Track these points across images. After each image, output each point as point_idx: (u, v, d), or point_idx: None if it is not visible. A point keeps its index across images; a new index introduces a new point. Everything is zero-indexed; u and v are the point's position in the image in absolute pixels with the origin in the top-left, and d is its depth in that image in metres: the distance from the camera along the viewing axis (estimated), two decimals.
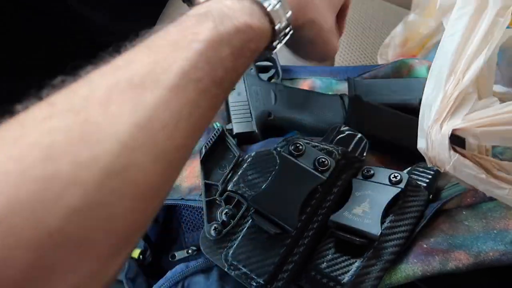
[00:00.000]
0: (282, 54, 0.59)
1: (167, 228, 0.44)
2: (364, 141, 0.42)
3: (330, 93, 0.54)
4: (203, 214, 0.42)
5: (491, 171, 0.33)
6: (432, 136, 0.33)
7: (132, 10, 1.01)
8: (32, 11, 0.98)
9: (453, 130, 0.31)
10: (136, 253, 0.43)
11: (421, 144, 0.34)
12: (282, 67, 0.54)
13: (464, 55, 0.34)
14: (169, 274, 0.38)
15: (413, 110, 0.46)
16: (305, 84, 0.54)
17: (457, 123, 0.32)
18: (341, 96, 0.49)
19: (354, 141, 0.42)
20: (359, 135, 0.42)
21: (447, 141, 0.32)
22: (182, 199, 0.39)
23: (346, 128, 0.43)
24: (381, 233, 0.34)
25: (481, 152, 0.36)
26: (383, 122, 0.47)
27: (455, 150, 0.32)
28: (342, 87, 0.54)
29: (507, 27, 0.42)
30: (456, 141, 0.34)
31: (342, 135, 0.43)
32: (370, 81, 0.51)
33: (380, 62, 0.60)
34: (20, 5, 0.89)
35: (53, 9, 1.11)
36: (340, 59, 0.63)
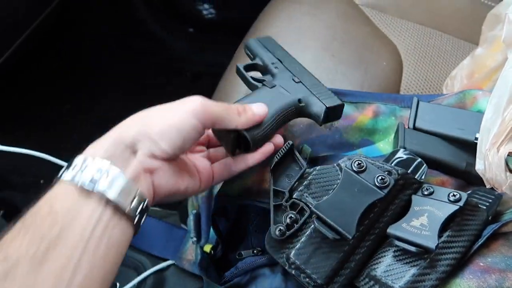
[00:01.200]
0: (348, 77, 0.64)
1: (236, 227, 0.49)
2: (424, 166, 0.45)
3: (393, 118, 0.57)
4: (268, 218, 0.46)
5: None
6: (489, 158, 0.35)
7: (211, 43, 1.10)
8: (118, 33, 1.12)
9: (510, 153, 0.33)
10: (208, 247, 0.49)
11: (479, 166, 0.36)
12: (346, 91, 0.59)
13: None
14: (239, 264, 0.42)
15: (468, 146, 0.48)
16: (370, 108, 0.57)
17: None
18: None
19: (414, 165, 0.45)
20: (419, 159, 0.45)
21: (503, 163, 0.34)
22: (255, 200, 0.44)
23: (406, 152, 0.46)
24: (438, 245, 0.36)
25: None
26: (441, 149, 0.49)
27: (511, 172, 0.34)
28: (406, 114, 0.57)
29: None
30: None
31: (401, 158, 0.46)
32: (434, 105, 0.53)
33: (445, 93, 0.62)
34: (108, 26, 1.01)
35: (137, 32, 1.26)
36: (405, 89, 0.65)
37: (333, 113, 0.49)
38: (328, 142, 0.55)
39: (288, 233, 0.41)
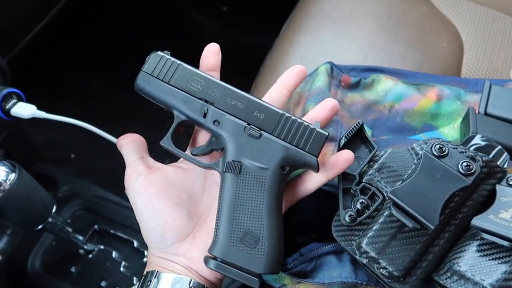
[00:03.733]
0: (405, 58, 0.60)
1: (291, 209, 0.46)
2: (505, 154, 0.41)
3: (458, 102, 0.53)
4: (327, 204, 0.43)
5: None
6: None
7: (241, 22, 1.05)
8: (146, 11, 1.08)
9: None
10: None
11: None
12: (406, 72, 0.55)
13: None
14: (303, 250, 0.39)
15: None
16: (432, 91, 0.53)
17: None
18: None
19: (494, 152, 0.41)
20: (499, 147, 0.41)
21: None
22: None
23: (484, 138, 0.42)
24: None
25: None
26: None
27: None
28: (472, 98, 0.53)
29: None
30: None
31: (479, 145, 0.42)
32: (508, 89, 0.49)
33: None
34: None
35: (166, 12, 1.22)
36: (467, 74, 0.61)
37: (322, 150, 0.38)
38: (388, 125, 0.52)
39: (359, 219, 0.38)
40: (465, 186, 0.35)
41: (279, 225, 0.36)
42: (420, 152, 0.38)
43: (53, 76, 1.04)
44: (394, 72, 0.55)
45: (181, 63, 0.38)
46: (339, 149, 0.40)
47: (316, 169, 0.37)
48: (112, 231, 0.58)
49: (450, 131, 0.51)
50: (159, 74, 0.37)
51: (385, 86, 0.53)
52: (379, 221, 0.36)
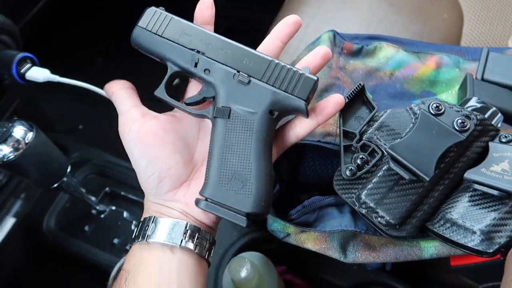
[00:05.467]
0: (406, 28, 0.61)
1: (296, 171, 0.48)
2: (499, 114, 0.43)
3: (457, 70, 0.55)
4: (330, 162, 0.46)
5: None
6: None
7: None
8: None
9: None
10: None
11: None
12: (406, 40, 0.56)
13: None
14: (306, 202, 0.42)
15: None
16: (432, 59, 0.55)
17: None
18: None
19: (489, 113, 0.43)
20: (494, 108, 0.43)
21: None
22: (319, 141, 0.43)
23: (479, 100, 0.44)
24: None
25: None
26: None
27: None
28: (470, 66, 0.55)
29: None
30: None
31: (475, 107, 0.44)
32: (505, 56, 0.50)
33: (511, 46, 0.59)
34: None
35: None
36: (466, 43, 0.63)
37: (312, 93, 0.38)
38: (389, 91, 0.54)
39: (359, 173, 0.40)
40: (459, 141, 0.38)
41: (267, 167, 0.37)
42: (418, 111, 0.40)
43: (63, 48, 1.05)
44: (395, 40, 0.57)
45: (173, 16, 0.39)
46: (341, 110, 0.42)
47: (305, 113, 0.37)
48: (122, 193, 0.61)
49: (448, 97, 0.53)
50: (153, 28, 0.39)
51: (387, 53, 0.55)
52: (378, 175, 0.39)
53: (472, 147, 0.40)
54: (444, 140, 0.38)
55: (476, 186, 0.37)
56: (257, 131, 0.37)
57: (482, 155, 0.39)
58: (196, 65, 0.38)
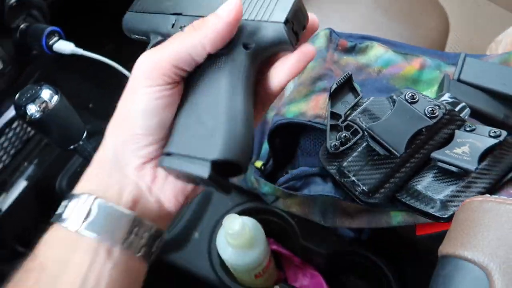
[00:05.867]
0: (397, 32, 0.68)
1: (287, 149, 0.54)
2: (467, 109, 0.49)
3: (438, 72, 0.61)
4: (318, 142, 0.52)
5: None
6: None
7: None
8: None
9: None
10: (259, 164, 0.54)
11: None
12: (396, 42, 0.62)
13: None
14: (294, 171, 0.48)
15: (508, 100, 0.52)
16: (417, 60, 0.61)
17: None
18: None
19: (458, 107, 0.49)
20: (463, 103, 0.50)
21: None
22: (310, 121, 0.49)
23: (452, 96, 0.51)
24: (477, 168, 0.41)
25: None
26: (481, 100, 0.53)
27: None
28: (450, 70, 0.61)
29: None
30: None
31: (447, 101, 0.50)
32: (479, 61, 0.57)
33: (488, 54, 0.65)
34: None
35: None
36: (450, 50, 0.69)
37: (297, 18, 0.31)
38: (376, 86, 0.60)
39: (341, 148, 0.46)
40: (428, 125, 0.44)
41: (244, 108, 0.30)
42: (396, 99, 0.46)
43: (87, 22, 1.10)
44: (386, 42, 0.63)
45: None
46: (330, 95, 0.48)
47: (288, 41, 0.30)
48: None
49: (427, 95, 0.60)
50: (139, 8, 0.38)
51: (377, 52, 0.62)
52: (358, 150, 0.45)
53: (440, 132, 0.46)
54: (415, 124, 0.44)
55: (439, 164, 0.43)
56: (229, 68, 0.30)
57: (448, 140, 0.46)
58: (173, 26, 0.35)
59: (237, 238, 0.48)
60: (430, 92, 0.60)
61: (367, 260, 0.53)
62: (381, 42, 0.63)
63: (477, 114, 0.53)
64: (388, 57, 0.62)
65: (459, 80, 0.57)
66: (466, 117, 0.49)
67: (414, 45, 0.65)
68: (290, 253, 0.61)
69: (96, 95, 1.00)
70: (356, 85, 0.49)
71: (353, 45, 0.62)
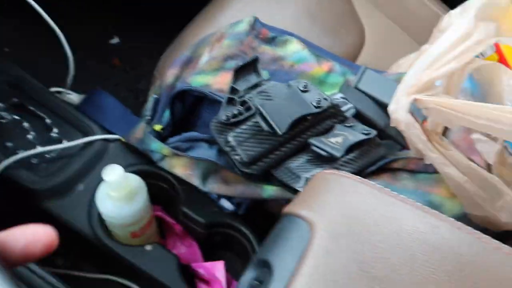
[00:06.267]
0: (318, 38, 0.73)
1: (187, 118, 0.56)
2: (352, 110, 0.55)
3: (342, 78, 0.67)
4: (214, 115, 0.54)
5: (432, 141, 0.45)
6: (399, 101, 0.45)
7: None
8: None
9: (414, 99, 0.44)
10: (158, 127, 0.55)
11: (391, 106, 0.46)
12: (314, 45, 0.67)
13: (443, 59, 0.46)
14: (184, 134, 0.50)
15: None
16: (327, 64, 0.66)
17: (419, 96, 0.44)
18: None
19: (346, 107, 0.55)
20: (351, 104, 0.55)
21: (407, 105, 0.44)
22: (211, 92, 0.52)
23: (343, 96, 0.56)
24: (342, 156, 0.46)
25: (434, 130, 0.49)
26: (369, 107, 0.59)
27: (411, 115, 0.44)
28: (352, 78, 0.67)
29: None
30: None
31: (337, 100, 0.55)
32: (376, 74, 0.63)
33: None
34: None
35: None
36: (359, 62, 0.76)
37: None
38: (284, 78, 0.64)
39: (232, 120, 0.49)
40: (312, 112, 0.48)
41: None
42: (291, 85, 0.50)
43: None
44: (304, 41, 0.68)
45: None
46: (234, 70, 0.51)
47: None
48: (31, 107, 0.63)
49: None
50: None
51: (294, 48, 0.66)
52: (246, 123, 0.48)
53: (323, 123, 0.51)
54: (301, 109, 0.48)
55: (313, 148, 0.47)
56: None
57: (328, 131, 0.51)
58: None
59: (115, 189, 0.48)
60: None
61: (241, 234, 0.56)
62: (300, 40, 0.67)
63: (363, 118, 0.59)
64: (302, 54, 0.66)
65: (356, 87, 0.63)
66: (349, 116, 0.54)
67: (329, 51, 0.71)
68: (174, 221, 0.62)
69: (18, 41, 0.95)
70: (259, 68, 0.53)
71: (274, 36, 0.65)
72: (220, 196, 0.55)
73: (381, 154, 0.50)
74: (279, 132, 0.46)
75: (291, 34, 0.68)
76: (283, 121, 0.47)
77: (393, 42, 0.79)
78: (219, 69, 0.55)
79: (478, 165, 0.47)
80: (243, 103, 0.50)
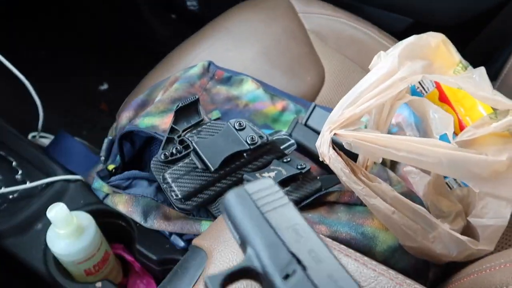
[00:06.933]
0: (275, 79, 0.76)
1: (138, 157, 0.59)
2: (294, 146, 0.57)
3: (296, 116, 0.69)
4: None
5: (357, 173, 0.47)
6: (324, 136, 0.47)
7: (191, 29, 1.19)
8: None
9: (335, 134, 0.46)
10: (111, 167, 0.58)
11: (317, 142, 0.48)
12: (268, 85, 0.71)
13: (365, 96, 0.49)
14: (126, 172, 0.52)
15: None
16: (281, 103, 0.70)
17: (339, 131, 0.46)
18: None
19: (287, 143, 0.57)
20: (292, 140, 0.57)
21: (329, 140, 0.46)
22: (155, 132, 0.55)
23: (286, 133, 0.59)
24: None
25: (363, 165, 0.51)
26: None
27: (334, 149, 0.46)
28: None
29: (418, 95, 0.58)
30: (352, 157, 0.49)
31: (280, 137, 0.58)
32: (323, 111, 0.66)
33: None
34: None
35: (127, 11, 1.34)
36: (319, 102, 0.79)
37: None
38: (238, 116, 0.67)
39: (170, 158, 0.51)
40: (244, 149, 0.50)
41: None
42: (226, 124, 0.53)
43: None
44: (260, 82, 0.72)
45: None
46: (175, 111, 0.54)
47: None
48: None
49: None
50: None
51: (249, 87, 0.69)
52: (183, 161, 0.51)
53: (261, 159, 0.53)
54: (234, 146, 0.51)
55: (244, 183, 0.49)
56: None
57: (266, 166, 0.53)
58: None
59: (62, 226, 0.51)
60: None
61: None
62: (255, 80, 0.71)
63: (309, 154, 0.61)
64: (257, 94, 0.70)
65: (305, 124, 0.65)
66: (289, 151, 0.56)
67: (284, 91, 0.74)
68: (133, 259, 0.63)
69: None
70: (200, 108, 0.56)
71: (229, 76, 0.69)
72: (171, 233, 0.57)
73: (316, 187, 0.51)
74: (212, 169, 0.48)
75: (246, 75, 0.72)
76: (216, 158, 0.49)
77: (354, 80, 0.82)
78: (166, 111, 0.59)
79: None
80: (181, 142, 0.53)
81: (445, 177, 0.59)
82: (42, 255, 0.58)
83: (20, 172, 0.66)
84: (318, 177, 0.53)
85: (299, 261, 0.24)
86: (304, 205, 0.50)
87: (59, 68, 1.24)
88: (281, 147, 0.55)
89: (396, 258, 0.48)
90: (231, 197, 0.27)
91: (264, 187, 0.28)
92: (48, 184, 0.63)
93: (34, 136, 0.77)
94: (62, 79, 1.21)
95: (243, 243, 0.27)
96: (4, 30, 1.12)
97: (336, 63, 0.85)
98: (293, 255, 0.25)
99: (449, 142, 0.48)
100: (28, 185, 0.63)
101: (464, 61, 0.61)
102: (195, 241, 0.35)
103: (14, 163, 0.67)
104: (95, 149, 0.73)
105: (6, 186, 0.64)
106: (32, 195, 0.63)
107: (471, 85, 0.49)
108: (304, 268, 0.24)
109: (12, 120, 0.74)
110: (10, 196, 0.63)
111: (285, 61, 0.81)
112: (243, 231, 0.27)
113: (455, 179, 0.60)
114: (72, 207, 0.61)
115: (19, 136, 0.71)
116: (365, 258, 0.31)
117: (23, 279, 0.61)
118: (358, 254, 0.31)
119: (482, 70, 0.51)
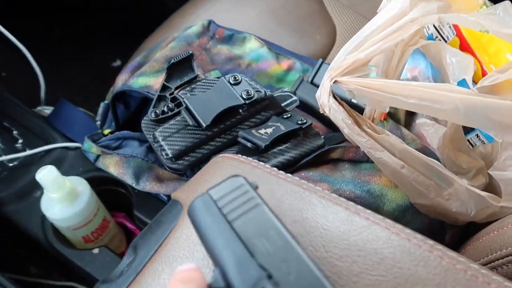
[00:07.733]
0: (282, 38, 0.71)
1: (135, 118, 0.56)
2: (296, 102, 0.52)
3: (302, 75, 0.65)
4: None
5: (361, 125, 0.42)
6: (324, 85, 0.43)
7: None
8: None
9: (335, 81, 0.41)
10: (107, 131, 0.56)
11: (317, 93, 0.44)
12: (273, 44, 0.66)
13: (370, 40, 0.44)
14: (115, 133, 0.50)
15: None
16: (286, 62, 0.65)
17: (340, 78, 0.41)
18: None
19: (290, 100, 0.53)
20: (295, 97, 0.53)
21: (329, 89, 0.42)
22: (148, 92, 0.52)
23: (289, 89, 0.54)
24: (267, 145, 0.44)
25: (370, 117, 0.46)
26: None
27: (334, 98, 0.42)
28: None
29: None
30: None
31: (283, 94, 0.54)
32: None
33: None
34: None
35: None
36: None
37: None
38: None
39: (161, 116, 0.48)
40: (239, 104, 0.47)
41: None
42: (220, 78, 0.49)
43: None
44: (264, 40, 0.67)
45: None
46: (167, 67, 0.51)
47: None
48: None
49: None
50: None
51: (252, 46, 0.65)
52: (174, 119, 0.47)
53: (259, 115, 0.49)
54: (228, 101, 0.47)
55: (239, 139, 0.45)
56: None
57: (264, 122, 0.49)
58: None
59: (55, 190, 0.49)
60: None
61: None
62: (259, 39, 0.66)
63: (315, 113, 0.56)
64: (260, 52, 0.65)
65: (312, 82, 0.61)
66: (290, 108, 0.52)
67: (292, 50, 0.69)
68: (134, 227, 0.62)
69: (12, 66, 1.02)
70: (193, 65, 0.52)
71: (230, 34, 0.65)
72: (169, 198, 0.55)
73: (318, 144, 0.47)
74: (203, 125, 0.45)
75: (250, 34, 0.67)
76: (208, 114, 0.46)
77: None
78: (161, 71, 0.56)
79: None
80: (173, 99, 0.50)
81: (466, 133, 0.53)
82: (41, 222, 0.57)
83: (20, 141, 0.65)
84: (322, 136, 0.48)
85: (270, 277, 0.22)
86: (304, 162, 0.46)
87: (73, 45, 1.24)
88: (283, 104, 0.51)
89: (407, 218, 0.44)
90: (196, 206, 0.25)
91: (231, 189, 0.25)
92: (47, 152, 0.62)
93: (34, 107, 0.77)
94: (75, 57, 1.21)
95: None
96: (18, 12, 1.12)
97: (348, 20, 0.79)
98: (264, 269, 0.22)
99: (469, 88, 0.42)
100: (27, 152, 0.61)
101: (489, 2, 0.54)
102: (173, 194, 0.33)
103: (14, 132, 0.66)
104: None
105: (6, 155, 0.63)
106: (32, 163, 0.62)
107: (495, 22, 0.43)
108: (276, 284, 0.22)
109: (25, 97, 0.74)
110: (10, 164, 0.62)
111: (294, 20, 0.76)
112: (208, 247, 0.24)
113: (477, 136, 0.54)
114: (71, 174, 0.60)
115: (22, 107, 0.70)
116: (358, 206, 0.27)
117: (23, 246, 0.61)
118: (350, 203, 0.27)
119: (507, 4, 0.44)
